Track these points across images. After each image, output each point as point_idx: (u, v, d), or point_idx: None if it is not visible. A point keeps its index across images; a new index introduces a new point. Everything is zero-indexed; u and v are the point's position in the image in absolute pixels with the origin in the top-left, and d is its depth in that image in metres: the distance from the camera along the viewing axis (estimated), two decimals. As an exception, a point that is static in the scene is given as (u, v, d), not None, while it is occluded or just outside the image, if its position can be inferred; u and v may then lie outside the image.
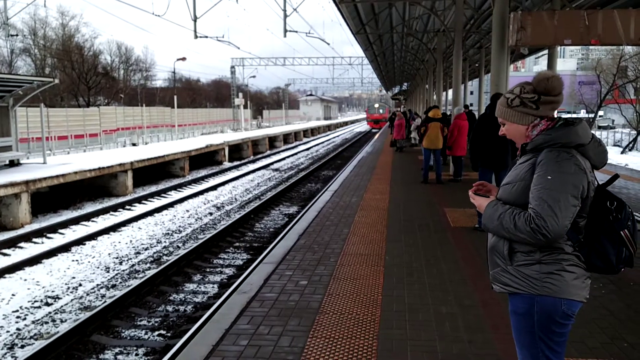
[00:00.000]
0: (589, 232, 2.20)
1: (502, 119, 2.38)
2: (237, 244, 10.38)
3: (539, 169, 2.17)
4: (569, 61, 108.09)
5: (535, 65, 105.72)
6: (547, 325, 2.22)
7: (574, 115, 56.14)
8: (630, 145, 36.26)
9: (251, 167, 24.90)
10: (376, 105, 67.62)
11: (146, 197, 15.73)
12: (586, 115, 44.22)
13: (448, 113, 18.63)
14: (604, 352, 3.75)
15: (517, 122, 2.32)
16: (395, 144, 23.19)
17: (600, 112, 52.18)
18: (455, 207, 9.40)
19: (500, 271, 2.33)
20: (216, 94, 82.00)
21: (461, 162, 12.87)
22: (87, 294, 7.71)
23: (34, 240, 10.79)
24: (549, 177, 2.12)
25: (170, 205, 14.52)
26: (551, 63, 13.14)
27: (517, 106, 2.29)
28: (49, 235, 11.17)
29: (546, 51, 14.17)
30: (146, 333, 6.29)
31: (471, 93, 69.06)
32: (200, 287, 7.93)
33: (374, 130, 59.50)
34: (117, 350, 5.84)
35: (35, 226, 11.92)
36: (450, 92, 28.55)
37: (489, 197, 2.42)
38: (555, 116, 2.30)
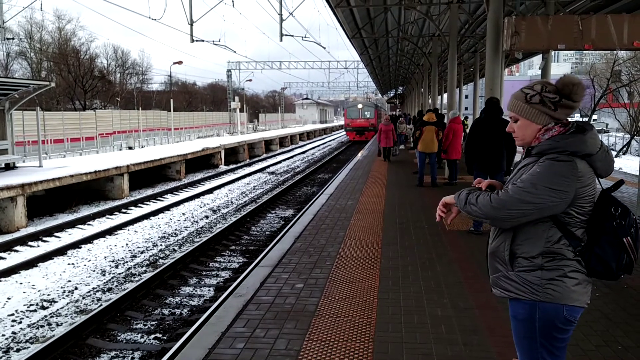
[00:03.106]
0: (592, 238, 2.18)
1: (516, 115, 2.30)
2: (233, 247, 10.39)
3: (537, 164, 2.18)
4: (563, 65, 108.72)
5: (529, 69, 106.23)
6: (549, 331, 2.21)
7: (568, 119, 56.20)
8: (624, 149, 36.48)
9: (247, 170, 24.90)
10: (359, 106, 45.00)
11: (142, 201, 15.72)
12: (580, 119, 44.41)
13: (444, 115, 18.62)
14: (599, 355, 3.78)
15: (531, 120, 2.25)
16: (384, 153, 19.24)
17: (594, 116, 52.44)
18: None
19: (501, 276, 2.31)
20: (212, 98, 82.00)
21: (456, 165, 12.92)
22: (83, 298, 7.70)
23: (30, 243, 10.76)
24: (538, 170, 2.14)
25: (167, 208, 14.51)
26: (545, 67, 13.22)
27: (535, 103, 2.22)
28: (44, 238, 11.15)
29: (540, 56, 14.28)
30: (142, 336, 6.29)
31: (466, 97, 69.24)
32: (196, 291, 7.94)
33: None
34: (112, 353, 5.84)
35: (31, 229, 11.88)
36: (445, 96, 28.65)
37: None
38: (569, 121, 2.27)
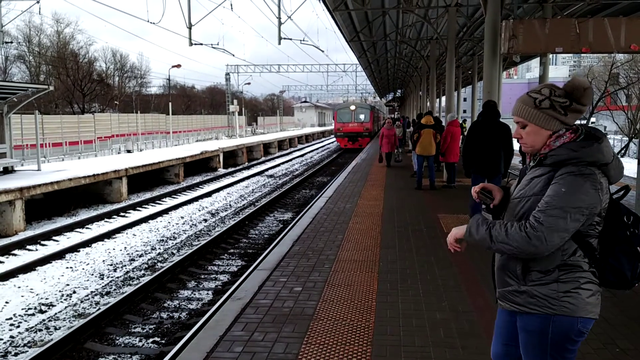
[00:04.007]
0: (605, 248, 2.13)
1: (524, 120, 2.18)
2: (231, 251, 10.39)
3: (557, 180, 2.06)
4: (561, 68, 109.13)
5: (527, 72, 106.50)
6: (562, 343, 2.17)
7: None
8: (623, 151, 36.54)
9: (246, 173, 24.90)
10: (352, 108, 37.71)
11: (141, 204, 15.70)
12: (578, 122, 44.59)
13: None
14: (597, 358, 3.78)
15: (541, 126, 2.14)
16: (386, 158, 18.52)
17: (593, 119, 52.58)
18: (448, 213, 9.45)
19: (512, 290, 2.22)
20: (211, 101, 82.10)
21: (454, 168, 12.94)
22: (81, 301, 7.69)
23: (28, 247, 10.74)
24: (564, 190, 2.02)
25: (165, 211, 14.50)
26: (543, 70, 13.25)
27: (546, 108, 2.11)
28: (43, 242, 11.13)
29: (538, 59, 14.32)
30: (140, 340, 6.28)
31: (464, 100, 69.40)
32: (194, 294, 7.93)
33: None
34: (111, 357, 5.83)
35: (29, 233, 11.86)
36: (443, 98, 28.68)
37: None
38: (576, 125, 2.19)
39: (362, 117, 37.13)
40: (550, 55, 14.40)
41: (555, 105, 2.11)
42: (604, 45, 8.14)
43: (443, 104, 29.45)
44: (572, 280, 2.11)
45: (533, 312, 2.16)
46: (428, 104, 25.07)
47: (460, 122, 18.25)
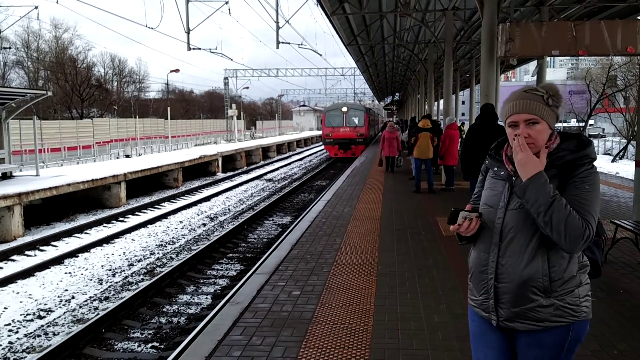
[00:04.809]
0: None
1: (536, 117, 2.03)
2: (230, 255, 10.39)
3: (580, 182, 2.00)
4: (559, 71, 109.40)
5: (525, 75, 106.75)
6: (572, 348, 2.10)
7: (565, 125, 56.73)
8: (621, 153, 36.58)
9: (245, 177, 24.90)
10: (344, 109, 31.88)
11: (140, 209, 15.69)
12: (577, 124, 44.74)
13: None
14: (594, 360, 3.79)
15: (549, 124, 2.06)
16: (387, 162, 17.73)
17: (591, 121, 52.68)
18: (446, 216, 9.42)
19: (536, 307, 2.05)
20: (209, 105, 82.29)
21: (453, 171, 12.95)
22: (80, 307, 7.68)
23: (27, 252, 10.73)
24: (587, 188, 1.99)
25: (164, 216, 14.49)
26: (541, 73, 13.31)
27: (552, 106, 2.06)
28: (41, 247, 11.12)
29: (536, 61, 14.36)
30: (139, 345, 6.27)
31: (463, 103, 69.47)
32: (193, 299, 7.93)
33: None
34: (110, 363, 5.83)
35: (28, 239, 11.85)
36: (441, 102, 28.75)
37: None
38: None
39: (355, 120, 31.54)
40: (548, 58, 14.46)
41: (555, 105, 2.08)
42: (600, 48, 8.16)
43: (441, 107, 29.50)
44: (587, 283, 2.10)
45: (557, 324, 2.04)
46: (426, 107, 25.12)
47: (459, 125, 18.30)
